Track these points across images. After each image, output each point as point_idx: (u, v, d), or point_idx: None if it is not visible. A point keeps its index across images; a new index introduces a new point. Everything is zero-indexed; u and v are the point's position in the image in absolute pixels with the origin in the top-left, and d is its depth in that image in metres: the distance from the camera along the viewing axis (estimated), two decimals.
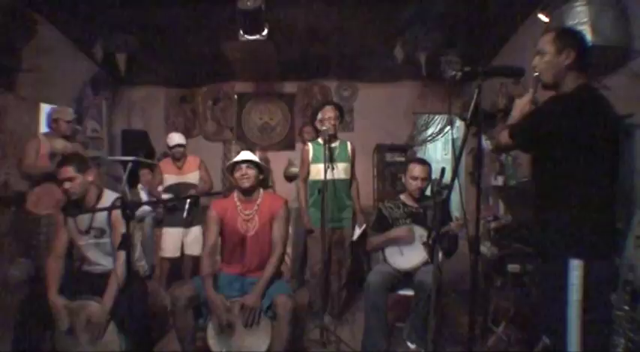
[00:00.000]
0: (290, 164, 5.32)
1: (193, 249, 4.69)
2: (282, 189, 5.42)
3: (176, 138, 4.85)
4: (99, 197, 2.99)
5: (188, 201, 4.70)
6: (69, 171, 2.84)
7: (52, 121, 4.24)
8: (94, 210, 2.87)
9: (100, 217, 2.91)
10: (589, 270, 1.87)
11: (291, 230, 3.85)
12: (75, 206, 2.92)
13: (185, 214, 4.71)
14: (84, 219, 2.92)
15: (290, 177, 5.28)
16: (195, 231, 4.73)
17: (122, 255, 2.55)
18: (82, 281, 2.91)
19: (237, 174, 3.12)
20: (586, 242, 1.92)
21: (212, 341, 2.82)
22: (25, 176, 4.24)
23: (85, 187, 2.91)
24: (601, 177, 1.94)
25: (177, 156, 4.84)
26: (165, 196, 4.79)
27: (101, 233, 2.92)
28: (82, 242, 2.95)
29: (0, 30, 4.53)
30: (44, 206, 4.09)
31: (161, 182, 4.82)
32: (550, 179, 2.05)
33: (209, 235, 3.13)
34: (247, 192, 3.16)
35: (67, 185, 2.84)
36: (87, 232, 2.93)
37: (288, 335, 2.76)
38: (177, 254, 4.76)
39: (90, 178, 2.93)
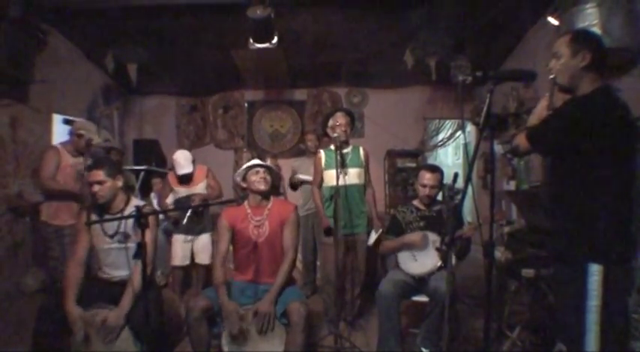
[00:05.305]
0: (294, 172, 5.29)
1: (202, 257, 4.66)
2: (294, 197, 5.42)
3: (184, 166, 4.59)
4: (126, 203, 3.01)
5: (189, 210, 4.59)
6: (99, 174, 2.86)
7: (76, 136, 4.15)
8: (112, 218, 2.87)
9: (128, 222, 2.93)
10: (607, 275, 1.85)
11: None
12: (101, 210, 2.95)
13: (185, 221, 4.59)
14: (112, 222, 2.93)
15: (294, 185, 5.27)
16: (204, 238, 4.71)
17: (138, 263, 2.56)
18: (99, 289, 2.91)
19: (253, 178, 3.15)
20: (605, 246, 1.88)
21: (226, 349, 2.82)
22: (41, 187, 4.20)
23: (113, 192, 2.93)
24: (619, 181, 1.91)
25: (185, 181, 4.69)
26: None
27: (125, 237, 2.93)
28: (106, 245, 2.96)
29: (12, 42, 4.59)
30: (61, 218, 4.08)
31: (169, 193, 4.79)
32: (567, 182, 2.02)
33: (221, 243, 3.15)
34: (262, 197, 3.18)
35: (95, 188, 2.86)
36: (112, 236, 2.95)
37: (302, 341, 2.76)
38: (187, 262, 4.71)
39: (119, 183, 2.97)
